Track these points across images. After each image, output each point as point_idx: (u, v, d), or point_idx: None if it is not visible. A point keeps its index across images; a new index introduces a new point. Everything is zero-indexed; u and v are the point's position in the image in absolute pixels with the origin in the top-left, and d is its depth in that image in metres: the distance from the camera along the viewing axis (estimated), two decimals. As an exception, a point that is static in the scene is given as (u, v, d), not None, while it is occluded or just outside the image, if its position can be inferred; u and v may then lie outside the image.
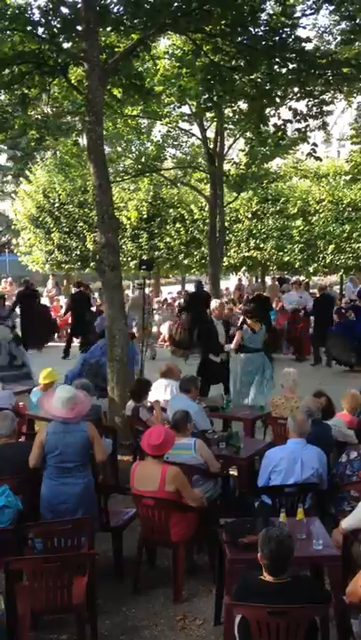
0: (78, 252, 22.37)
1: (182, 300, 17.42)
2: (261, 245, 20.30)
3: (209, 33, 9.03)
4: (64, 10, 8.17)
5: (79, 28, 7.97)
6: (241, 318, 9.98)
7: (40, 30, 8.27)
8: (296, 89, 10.66)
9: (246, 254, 20.62)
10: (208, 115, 14.21)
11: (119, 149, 17.22)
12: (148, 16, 8.07)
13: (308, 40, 9.59)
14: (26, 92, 9.30)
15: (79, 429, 4.95)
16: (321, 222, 19.65)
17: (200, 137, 15.20)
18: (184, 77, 11.48)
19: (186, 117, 15.31)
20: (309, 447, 5.14)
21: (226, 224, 17.64)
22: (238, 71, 9.57)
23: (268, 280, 21.92)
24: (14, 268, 27.97)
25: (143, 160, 16.64)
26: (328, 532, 4.38)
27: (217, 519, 4.63)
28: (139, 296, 13.53)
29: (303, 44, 9.21)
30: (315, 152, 10.33)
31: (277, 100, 10.38)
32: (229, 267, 21.19)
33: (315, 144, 10.41)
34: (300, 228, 19.74)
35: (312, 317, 14.23)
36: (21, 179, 25.25)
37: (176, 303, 18.28)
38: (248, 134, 14.29)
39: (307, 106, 10.95)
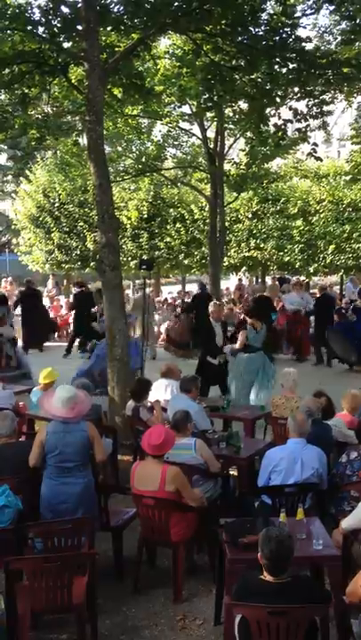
0: (78, 252, 22.37)
1: (181, 301, 17.45)
2: (262, 245, 20.30)
3: (209, 33, 9.03)
4: (64, 9, 8.18)
5: (79, 27, 7.96)
6: (241, 317, 10.00)
7: (40, 30, 8.27)
8: (296, 89, 10.67)
9: (247, 254, 20.62)
10: (208, 114, 14.21)
11: (119, 149, 17.20)
12: (148, 16, 8.07)
13: (309, 40, 9.58)
14: (26, 91, 9.31)
15: (79, 429, 4.94)
16: (321, 222, 19.65)
17: (200, 137, 15.20)
18: (184, 77, 11.49)
19: (186, 117, 15.29)
20: (309, 447, 5.14)
21: (226, 224, 17.65)
22: (239, 71, 9.57)
23: (269, 280, 21.91)
24: (14, 268, 27.96)
25: (143, 160, 16.63)
26: (328, 532, 4.38)
27: (217, 519, 4.63)
28: (141, 297, 13.53)
29: (303, 44, 9.21)
30: (315, 152, 10.32)
31: (278, 99, 10.38)
32: (230, 267, 21.19)
33: (315, 144, 10.39)
34: (301, 228, 19.74)
35: (312, 317, 14.22)
36: (21, 178, 25.23)
37: (177, 302, 18.28)
38: (248, 134, 14.27)
39: (307, 106, 10.95)
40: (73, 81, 9.62)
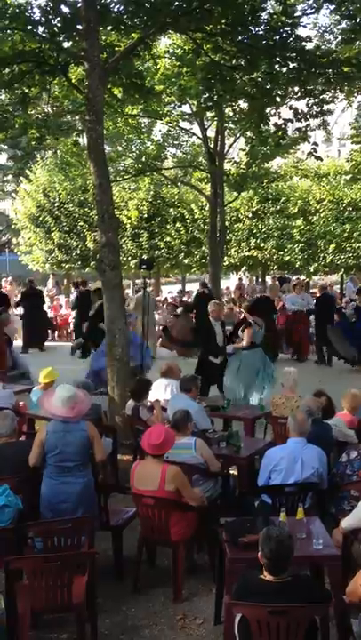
0: (78, 252, 22.39)
1: (181, 300, 17.44)
2: (262, 245, 20.31)
3: (209, 32, 9.03)
4: (64, 9, 8.17)
5: (79, 27, 7.96)
6: (242, 316, 10.01)
7: (40, 29, 8.27)
8: (296, 88, 10.66)
9: (247, 254, 20.63)
10: (208, 114, 14.21)
11: (119, 149, 17.21)
12: (148, 15, 8.08)
13: (309, 39, 9.59)
14: (26, 91, 9.30)
15: (79, 428, 4.94)
16: (321, 222, 19.66)
17: (200, 136, 15.20)
18: (184, 76, 11.49)
19: (186, 117, 15.29)
20: (310, 447, 5.14)
21: (226, 223, 17.65)
22: (239, 70, 9.57)
23: (269, 280, 21.93)
24: (14, 268, 27.98)
25: (143, 159, 16.64)
26: (328, 532, 4.38)
27: (217, 518, 4.64)
28: (142, 296, 13.52)
29: (304, 44, 9.22)
30: (315, 151, 10.33)
31: (278, 99, 10.39)
32: (230, 266, 21.20)
33: (315, 143, 10.40)
34: (301, 228, 19.75)
35: (312, 317, 14.22)
36: (22, 178, 25.26)
37: (178, 301, 18.29)
38: (248, 133, 14.27)
39: (307, 105, 10.93)
40: (73, 80, 9.62)
